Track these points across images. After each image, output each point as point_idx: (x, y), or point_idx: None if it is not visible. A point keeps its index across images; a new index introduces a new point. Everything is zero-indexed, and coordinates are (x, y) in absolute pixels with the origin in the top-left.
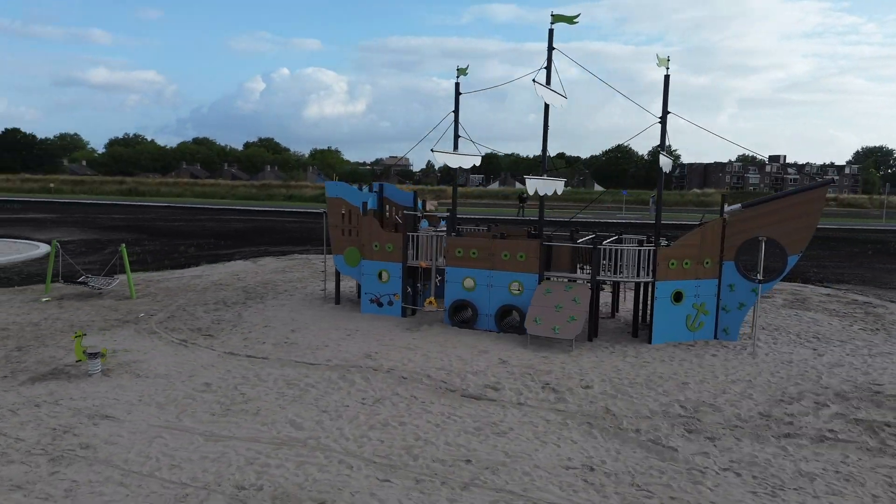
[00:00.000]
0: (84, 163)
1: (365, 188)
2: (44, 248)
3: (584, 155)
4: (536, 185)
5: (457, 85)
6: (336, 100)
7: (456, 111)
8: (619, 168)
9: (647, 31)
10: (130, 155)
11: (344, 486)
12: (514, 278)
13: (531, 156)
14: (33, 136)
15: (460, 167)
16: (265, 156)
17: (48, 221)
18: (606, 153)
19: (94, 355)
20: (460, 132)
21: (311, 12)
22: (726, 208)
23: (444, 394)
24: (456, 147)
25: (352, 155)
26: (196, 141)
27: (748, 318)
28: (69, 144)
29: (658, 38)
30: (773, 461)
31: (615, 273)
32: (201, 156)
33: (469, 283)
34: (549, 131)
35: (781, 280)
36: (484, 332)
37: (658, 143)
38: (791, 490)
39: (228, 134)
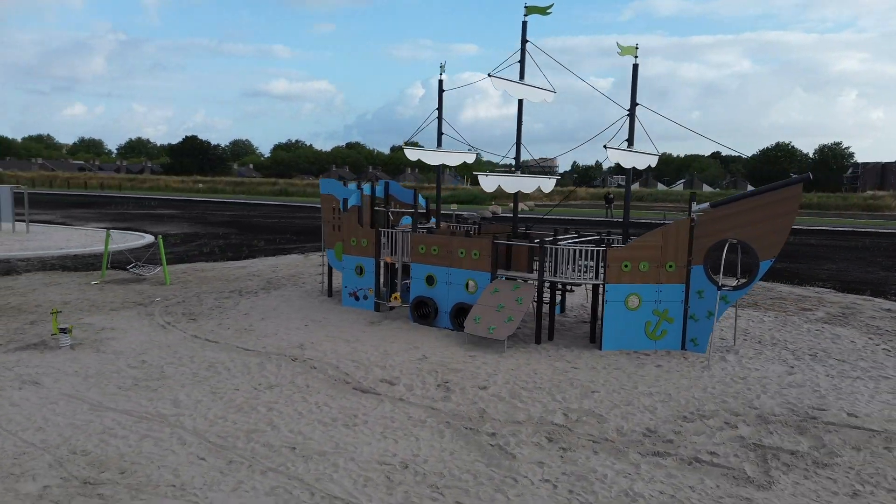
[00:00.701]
0: (251, 166)
1: (357, 185)
2: (148, 239)
3: (749, 152)
4: (500, 182)
5: (440, 82)
6: (490, 103)
7: (440, 108)
8: (779, 168)
9: (834, 17)
10: (290, 159)
11: (159, 459)
12: (470, 276)
13: (703, 154)
14: (208, 143)
15: (444, 164)
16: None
17: (166, 216)
18: (766, 151)
19: (63, 330)
20: (452, 131)
21: (470, 18)
22: (694, 207)
23: (337, 385)
24: (440, 144)
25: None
26: (349, 145)
27: (733, 327)
28: (241, 150)
29: (847, 23)
30: (608, 478)
31: (559, 274)
32: (351, 159)
33: (431, 279)
34: (524, 126)
35: (754, 285)
36: (441, 329)
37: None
38: None
39: (389, 139)
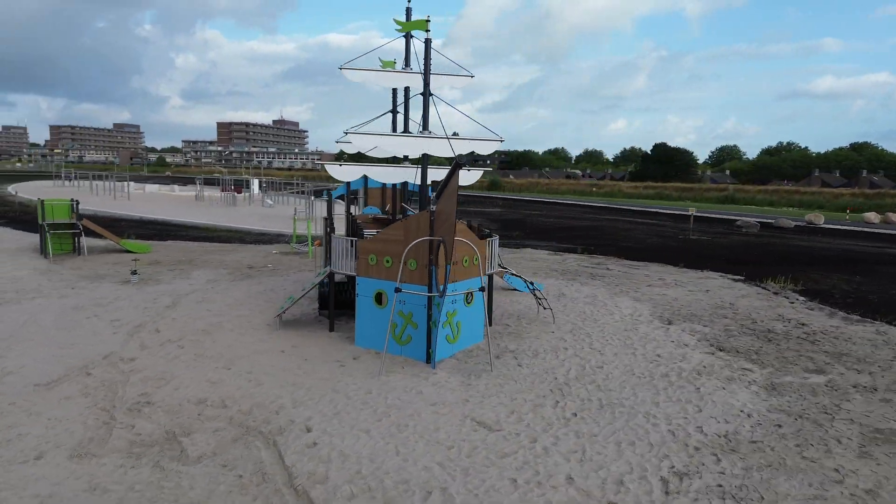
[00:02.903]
0: (727, 172)
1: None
2: None
3: None
4: (364, 171)
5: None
6: None
7: (394, 103)
8: None
9: None
10: (773, 163)
11: None
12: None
13: None
14: (676, 149)
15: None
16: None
17: (475, 213)
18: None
19: (134, 272)
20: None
21: None
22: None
23: (103, 320)
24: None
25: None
26: (853, 146)
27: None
28: (725, 155)
29: None
30: (90, 445)
31: None
32: (849, 162)
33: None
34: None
35: None
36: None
37: None
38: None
39: None
